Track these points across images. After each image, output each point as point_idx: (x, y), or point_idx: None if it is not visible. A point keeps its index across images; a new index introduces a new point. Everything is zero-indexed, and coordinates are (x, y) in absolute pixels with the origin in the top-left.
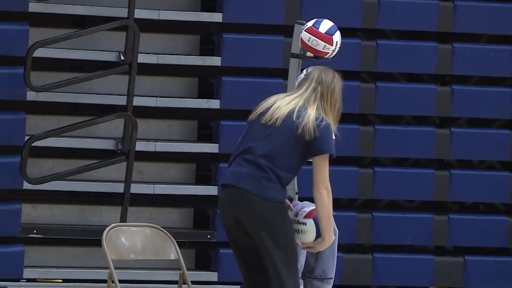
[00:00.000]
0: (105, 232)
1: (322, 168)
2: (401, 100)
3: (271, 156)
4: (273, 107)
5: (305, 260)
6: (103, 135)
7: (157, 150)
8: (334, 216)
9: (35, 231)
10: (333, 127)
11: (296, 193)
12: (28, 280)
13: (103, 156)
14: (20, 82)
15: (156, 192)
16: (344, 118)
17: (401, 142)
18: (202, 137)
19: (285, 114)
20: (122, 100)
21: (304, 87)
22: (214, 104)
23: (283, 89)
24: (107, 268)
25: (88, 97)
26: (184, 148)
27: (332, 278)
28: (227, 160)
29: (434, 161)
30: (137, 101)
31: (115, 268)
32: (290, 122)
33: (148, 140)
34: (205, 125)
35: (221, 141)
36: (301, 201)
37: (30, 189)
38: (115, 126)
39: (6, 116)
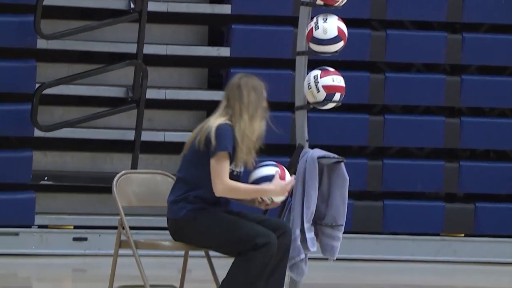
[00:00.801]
0: (116, 179)
1: (212, 167)
2: (412, 47)
3: (182, 180)
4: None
5: (316, 207)
6: (113, 83)
7: (167, 97)
8: (345, 163)
9: (46, 178)
10: (247, 123)
11: (307, 141)
12: (40, 226)
13: (114, 104)
14: (31, 30)
15: (166, 140)
16: (355, 66)
17: (411, 90)
18: (212, 85)
19: (191, 139)
20: (132, 48)
21: (218, 107)
22: (224, 52)
23: (293, 38)
24: (117, 214)
25: (98, 45)
26: (194, 96)
27: (342, 225)
28: None
29: (444, 109)
30: (147, 49)
31: (125, 214)
32: (193, 143)
33: (158, 87)
34: (215, 73)
35: None
36: (312, 148)
37: (41, 137)
38: (126, 74)
39: (16, 64)
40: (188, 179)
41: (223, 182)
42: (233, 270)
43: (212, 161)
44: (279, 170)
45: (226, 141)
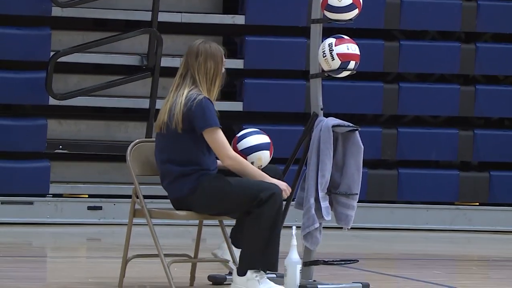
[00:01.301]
0: (130, 147)
1: (212, 142)
2: (426, 15)
3: (170, 161)
4: (159, 114)
5: (331, 176)
6: (128, 51)
7: None
8: (359, 132)
9: (60, 146)
10: (206, 92)
11: (321, 109)
12: (54, 195)
13: (128, 72)
14: None
15: None
16: (369, 34)
17: (426, 58)
18: (227, 53)
19: (163, 117)
20: (147, 16)
21: (177, 76)
22: (239, 19)
23: (308, 5)
24: (132, 183)
25: (113, 13)
26: None
27: (357, 193)
28: (252, 76)
29: (459, 77)
30: (162, 17)
31: (139, 183)
32: (168, 122)
33: (173, 55)
34: (230, 41)
35: (246, 56)
36: (326, 117)
37: (56, 105)
38: (140, 41)
39: (31, 32)
40: (177, 159)
41: (229, 154)
42: (247, 231)
43: (208, 136)
44: (269, 142)
45: (213, 114)
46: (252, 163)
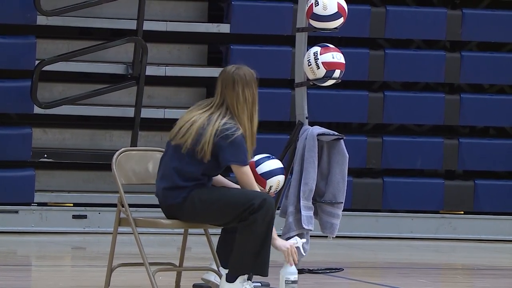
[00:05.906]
0: (115, 156)
1: (242, 178)
2: (412, 24)
3: (178, 171)
4: (182, 128)
5: (316, 185)
6: (113, 60)
7: (167, 74)
8: (344, 140)
9: (45, 155)
10: (246, 121)
11: (306, 118)
12: (39, 204)
13: (113, 81)
14: (31, 6)
15: (166, 117)
16: (354, 43)
17: (411, 66)
18: (212, 61)
19: (193, 135)
20: (132, 24)
21: (210, 100)
22: (224, 28)
23: (293, 14)
24: (117, 192)
25: (98, 21)
26: (194, 73)
27: (342, 202)
28: None
29: (444, 85)
30: (147, 26)
31: (125, 192)
32: (196, 141)
33: (158, 64)
34: (215, 49)
35: (231, 65)
36: (312, 126)
37: (41, 114)
38: (125, 50)
39: (16, 41)
40: (186, 173)
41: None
42: (240, 238)
43: (239, 171)
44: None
45: (245, 151)
46: (270, 187)
